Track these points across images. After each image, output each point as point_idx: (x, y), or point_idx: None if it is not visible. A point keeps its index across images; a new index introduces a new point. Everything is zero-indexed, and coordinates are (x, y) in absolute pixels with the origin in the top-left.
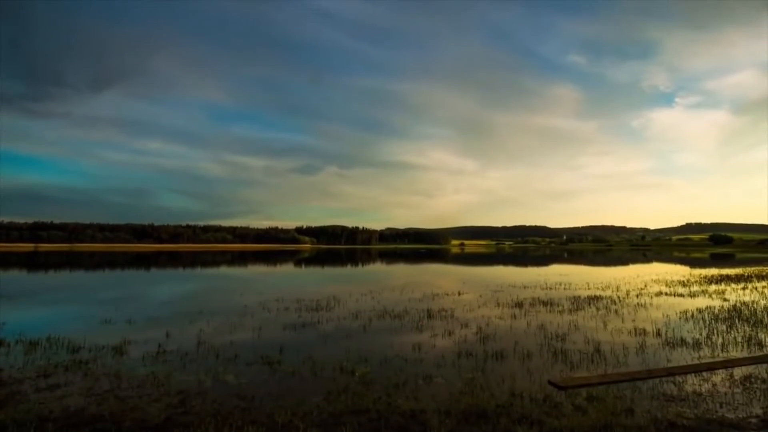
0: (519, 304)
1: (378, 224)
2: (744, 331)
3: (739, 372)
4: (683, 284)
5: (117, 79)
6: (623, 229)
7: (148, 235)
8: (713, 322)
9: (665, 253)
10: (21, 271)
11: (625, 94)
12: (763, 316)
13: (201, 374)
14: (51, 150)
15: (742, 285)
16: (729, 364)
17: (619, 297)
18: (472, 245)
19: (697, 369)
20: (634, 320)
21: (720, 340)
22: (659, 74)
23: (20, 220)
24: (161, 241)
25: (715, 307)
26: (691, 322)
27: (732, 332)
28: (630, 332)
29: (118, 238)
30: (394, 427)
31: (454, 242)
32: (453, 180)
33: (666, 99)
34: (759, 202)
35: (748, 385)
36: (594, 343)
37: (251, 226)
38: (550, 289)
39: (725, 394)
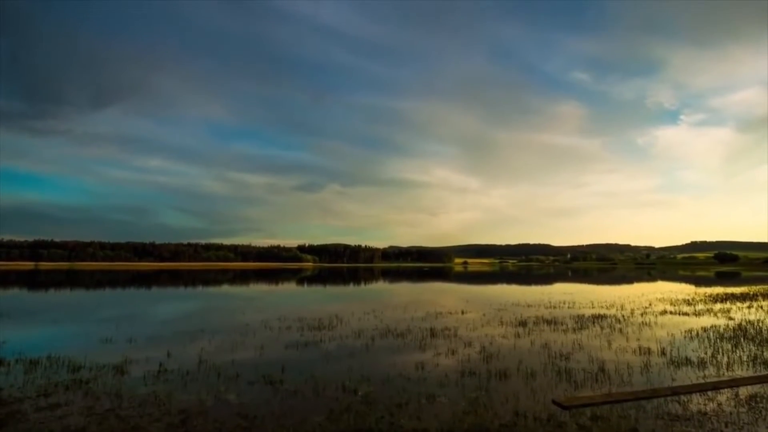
0: (523, 323)
1: (381, 242)
2: (749, 350)
3: (744, 391)
4: (688, 303)
5: (118, 96)
6: (628, 247)
7: (149, 254)
8: (718, 341)
9: (670, 271)
10: (21, 290)
11: (629, 112)
12: None
13: (202, 393)
14: (51, 168)
15: (747, 304)
16: (734, 383)
17: (623, 316)
18: (476, 263)
19: (702, 388)
20: (638, 339)
21: (725, 359)
22: (664, 91)
23: (20, 238)
24: (162, 260)
25: (720, 326)
26: (696, 341)
27: (737, 351)
28: (634, 351)
29: (118, 257)
30: None
31: (458, 260)
32: (456, 198)
33: (671, 116)
34: (764, 221)
35: (753, 404)
36: (598, 362)
37: (253, 245)
38: (554, 307)
39: (730, 413)
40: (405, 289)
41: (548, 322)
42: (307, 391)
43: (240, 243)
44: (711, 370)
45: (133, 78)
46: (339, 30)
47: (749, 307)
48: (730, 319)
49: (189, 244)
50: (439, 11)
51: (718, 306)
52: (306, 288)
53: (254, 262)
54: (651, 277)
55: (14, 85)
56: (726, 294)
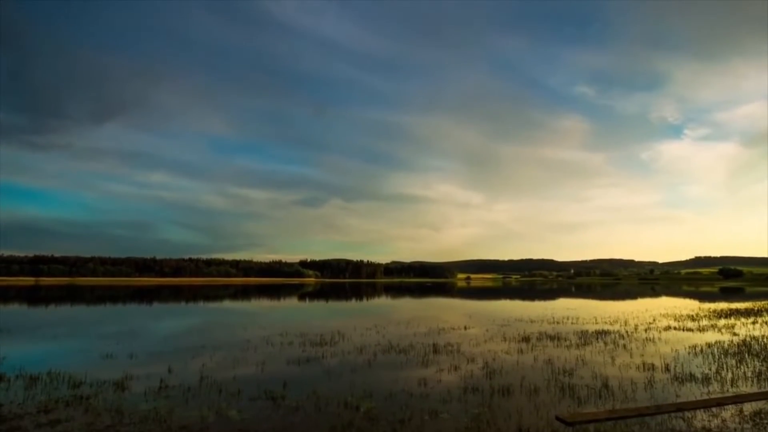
0: (526, 339)
1: (383, 257)
2: (754, 366)
3: (749, 407)
4: (692, 318)
5: (118, 111)
6: (631, 262)
7: (150, 269)
8: (723, 356)
9: (674, 286)
10: (21, 306)
11: (633, 126)
12: None
13: (204, 409)
14: (52, 182)
15: (752, 319)
16: (739, 399)
17: (627, 331)
18: (479, 279)
19: (706, 404)
20: (642, 355)
21: (729, 375)
22: (668, 106)
23: (21, 253)
24: (164, 275)
25: (724, 342)
26: (700, 357)
27: (742, 367)
28: (638, 367)
29: (119, 272)
30: None
31: (460, 276)
32: (459, 213)
33: (675, 131)
34: None
35: (758, 420)
36: (602, 377)
37: (255, 260)
38: (558, 323)
39: (735, 429)
40: (407, 304)
41: (551, 338)
42: (309, 407)
43: (242, 258)
44: (715, 386)
45: (133, 92)
46: (341, 43)
47: (754, 323)
48: (735, 334)
49: (190, 259)
50: (442, 25)
51: (722, 322)
52: (308, 303)
53: (256, 277)
54: (655, 293)
55: (14, 100)
56: (730, 309)
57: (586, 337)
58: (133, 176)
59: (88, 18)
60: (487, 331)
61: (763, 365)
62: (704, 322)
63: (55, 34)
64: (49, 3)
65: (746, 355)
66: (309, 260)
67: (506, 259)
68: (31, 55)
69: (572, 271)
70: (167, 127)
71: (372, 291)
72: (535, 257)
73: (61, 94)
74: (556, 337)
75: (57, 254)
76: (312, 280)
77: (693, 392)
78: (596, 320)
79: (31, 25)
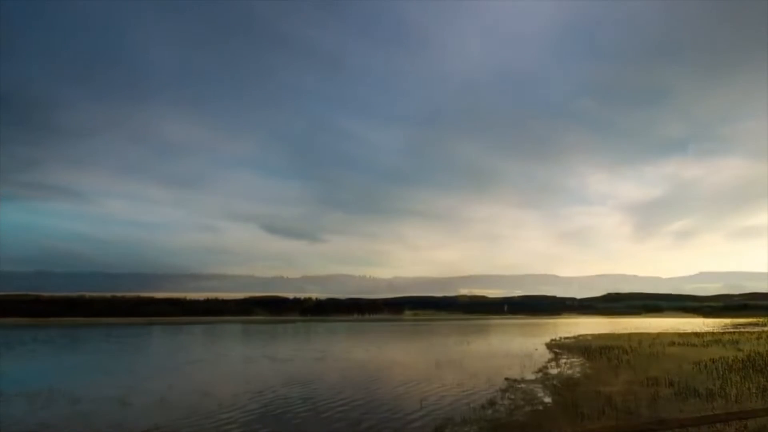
0: (528, 355)
1: (385, 272)
2: (758, 382)
3: (753, 424)
4: (696, 334)
5: (117, 124)
6: (635, 277)
7: (151, 284)
8: (727, 372)
9: (678, 302)
10: (21, 320)
11: (637, 140)
12: None
13: (205, 426)
14: (51, 195)
15: (755, 335)
16: (743, 415)
17: (630, 347)
18: (481, 293)
19: (710, 420)
20: (646, 370)
21: (734, 390)
22: (672, 120)
23: (21, 268)
24: (165, 290)
25: (728, 357)
26: (704, 373)
27: (746, 383)
28: (642, 382)
29: (121, 287)
30: None
31: (463, 290)
32: (462, 227)
33: (679, 145)
34: None
35: None
36: (605, 393)
37: (256, 275)
38: (561, 339)
39: None
40: (410, 319)
41: (555, 354)
42: (310, 421)
43: (243, 273)
44: (719, 402)
45: (133, 106)
46: (342, 58)
47: (758, 338)
48: (739, 350)
49: (192, 275)
50: (444, 36)
51: (726, 337)
52: (309, 318)
53: (258, 292)
54: (659, 308)
55: (14, 114)
56: (734, 325)
57: (589, 353)
58: (133, 190)
59: (87, 30)
60: (489, 346)
61: (767, 381)
62: (708, 338)
63: (53, 45)
64: (49, 14)
65: (750, 371)
66: (311, 276)
67: (509, 274)
68: (29, 66)
69: (576, 286)
70: (168, 141)
71: (373, 307)
72: (538, 273)
73: (60, 107)
74: (559, 353)
75: (58, 269)
76: (314, 295)
77: (697, 408)
78: (600, 336)
79: (32, 38)
